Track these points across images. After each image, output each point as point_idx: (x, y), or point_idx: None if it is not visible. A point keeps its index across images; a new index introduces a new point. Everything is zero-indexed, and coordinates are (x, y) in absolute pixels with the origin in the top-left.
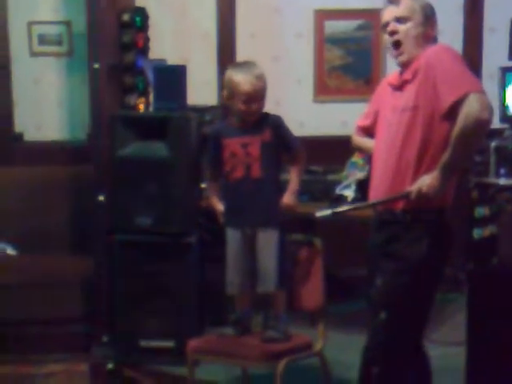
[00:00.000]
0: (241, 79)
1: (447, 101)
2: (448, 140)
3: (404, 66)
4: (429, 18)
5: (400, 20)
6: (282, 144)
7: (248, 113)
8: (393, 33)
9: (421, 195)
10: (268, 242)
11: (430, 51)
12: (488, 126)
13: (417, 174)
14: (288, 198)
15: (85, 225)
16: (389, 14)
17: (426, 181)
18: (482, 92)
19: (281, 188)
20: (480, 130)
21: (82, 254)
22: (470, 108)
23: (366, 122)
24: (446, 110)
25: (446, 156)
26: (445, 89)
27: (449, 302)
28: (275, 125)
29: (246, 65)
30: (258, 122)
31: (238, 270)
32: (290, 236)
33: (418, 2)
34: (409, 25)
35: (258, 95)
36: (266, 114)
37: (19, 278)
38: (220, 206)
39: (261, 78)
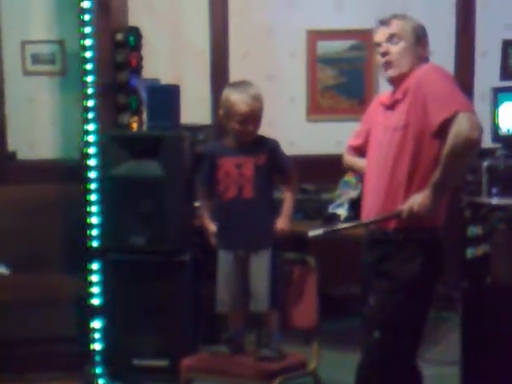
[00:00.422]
0: (237, 99)
1: (437, 119)
2: (438, 159)
3: (393, 81)
4: (420, 38)
5: (392, 40)
6: (275, 167)
7: (243, 133)
8: (385, 54)
9: (412, 214)
10: (261, 263)
11: (421, 70)
12: (478, 145)
13: (408, 192)
14: (282, 223)
15: (78, 244)
16: (380, 35)
17: (418, 199)
18: (471, 111)
19: (274, 208)
20: (470, 148)
21: (75, 273)
22: (460, 127)
23: (358, 142)
24: (435, 129)
25: (436, 175)
26: (435, 107)
27: (443, 320)
28: (272, 150)
29: (243, 85)
30: (254, 143)
31: (229, 290)
32: (284, 255)
33: (409, 23)
34: (400, 45)
35: (253, 116)
36: (263, 137)
37: (12, 297)
38: (212, 227)
39: (257, 99)
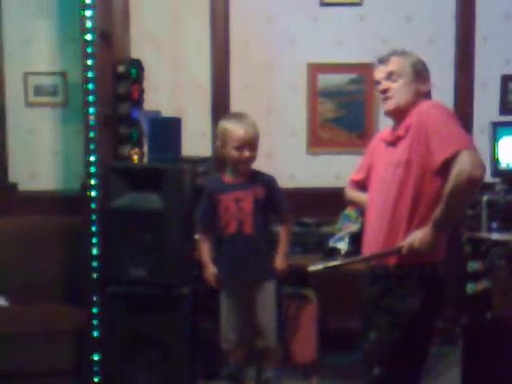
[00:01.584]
0: (233, 126)
1: (439, 158)
2: (440, 196)
3: (391, 115)
4: (419, 73)
5: (391, 78)
6: (272, 205)
7: (240, 160)
8: (384, 91)
9: (412, 250)
10: (265, 296)
11: (422, 107)
12: (480, 183)
13: (409, 228)
14: (280, 263)
15: (78, 275)
16: (379, 73)
17: (418, 235)
18: (473, 149)
19: (272, 241)
20: (472, 187)
21: (74, 305)
22: (463, 165)
23: (359, 176)
24: (437, 167)
25: (438, 212)
26: (437, 145)
27: (443, 356)
28: (269, 185)
29: (238, 114)
30: (252, 178)
31: (234, 326)
32: (284, 289)
33: (408, 59)
34: (400, 82)
35: (249, 141)
36: (260, 172)
37: (10, 329)
38: (212, 269)
39: (252, 125)
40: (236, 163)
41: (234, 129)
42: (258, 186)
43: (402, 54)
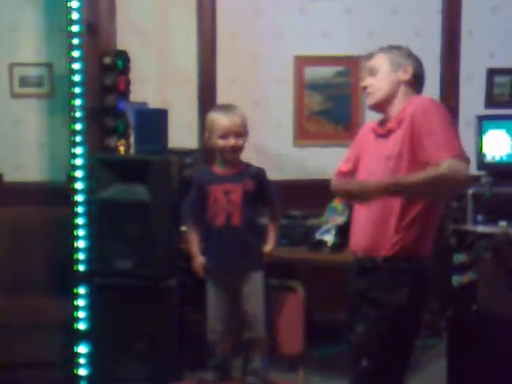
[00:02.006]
0: (219, 116)
1: (433, 161)
2: None
3: (374, 109)
4: (398, 62)
5: (372, 73)
6: (262, 197)
7: (226, 149)
8: (365, 87)
9: (351, 194)
10: (254, 286)
11: (417, 103)
12: (455, 190)
13: (400, 222)
14: (268, 249)
15: (64, 267)
16: (364, 70)
17: (370, 183)
18: (466, 158)
19: (259, 233)
20: (451, 186)
21: (60, 297)
22: (456, 167)
23: (346, 167)
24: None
25: (405, 177)
26: (431, 149)
27: (428, 348)
28: (259, 178)
29: (226, 105)
30: (241, 170)
31: (220, 317)
32: (271, 281)
33: (389, 52)
34: (378, 75)
35: (235, 130)
36: (249, 164)
37: None
38: (200, 259)
39: (238, 115)
40: (222, 152)
41: (220, 118)
42: (247, 178)
43: (388, 50)
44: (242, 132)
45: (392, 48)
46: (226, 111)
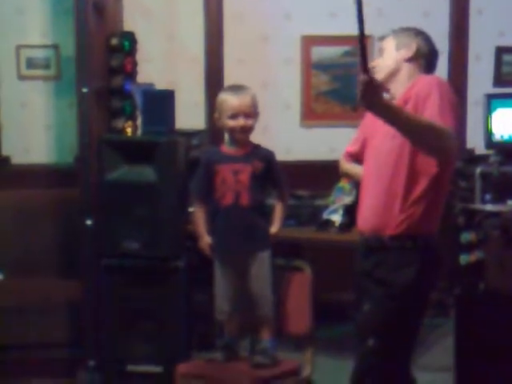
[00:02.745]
0: (228, 96)
1: None
2: (436, 170)
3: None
4: (402, 41)
5: (380, 54)
6: (271, 179)
7: (235, 128)
8: (373, 68)
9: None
10: (261, 265)
11: (423, 82)
12: (443, 154)
13: (406, 201)
14: (275, 229)
15: (72, 249)
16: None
17: (373, 89)
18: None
19: (267, 214)
20: (440, 142)
21: (69, 278)
22: (452, 136)
23: (354, 148)
24: None
25: (401, 110)
26: (432, 113)
27: (436, 327)
28: (268, 160)
29: (236, 86)
30: (250, 151)
31: (228, 298)
32: (278, 261)
33: (396, 32)
34: (383, 56)
35: (244, 110)
36: (259, 146)
37: (5, 302)
38: (207, 239)
39: (248, 95)
40: (232, 132)
41: (230, 99)
42: (256, 159)
43: (397, 31)
44: (251, 112)
45: (402, 30)
46: (236, 91)
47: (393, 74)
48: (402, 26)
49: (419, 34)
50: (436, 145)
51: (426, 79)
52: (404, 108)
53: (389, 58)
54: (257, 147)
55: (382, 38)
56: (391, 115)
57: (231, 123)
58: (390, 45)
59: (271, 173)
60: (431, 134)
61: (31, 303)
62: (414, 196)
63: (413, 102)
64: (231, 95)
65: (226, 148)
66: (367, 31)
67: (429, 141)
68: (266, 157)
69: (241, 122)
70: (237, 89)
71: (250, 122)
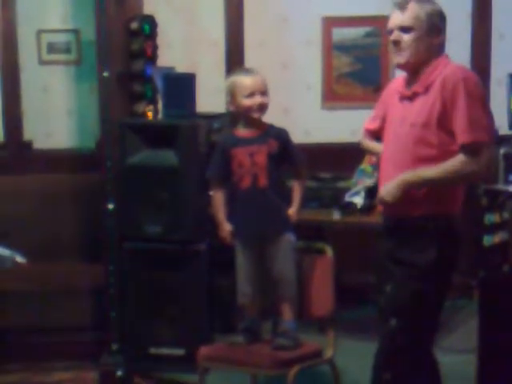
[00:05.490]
0: (240, 77)
1: (458, 139)
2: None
3: (401, 68)
4: (434, 26)
5: (404, 29)
6: (287, 158)
7: (253, 107)
8: (395, 42)
9: (383, 202)
10: (282, 247)
11: (448, 73)
12: (480, 179)
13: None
14: (293, 214)
15: (95, 233)
16: (393, 20)
17: (388, 188)
18: (491, 142)
19: (286, 195)
20: (471, 180)
21: (91, 262)
22: (477, 159)
23: (374, 126)
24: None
25: (423, 171)
26: (460, 126)
27: (459, 308)
28: (281, 138)
29: (244, 68)
30: (264, 131)
31: (250, 281)
32: (300, 243)
33: (425, 9)
34: (412, 35)
35: (259, 88)
36: (273, 126)
37: (29, 286)
38: (227, 227)
39: (258, 74)
40: (249, 112)
41: (242, 79)
42: (271, 138)
43: (422, 3)
44: (265, 90)
45: (428, 1)
46: (246, 72)
47: (423, 60)
48: None
49: (440, 12)
50: (471, 178)
51: (450, 69)
52: (423, 164)
53: (420, 41)
54: (270, 127)
55: (402, 7)
56: (418, 187)
57: (248, 102)
58: (421, 25)
59: (286, 151)
60: (462, 177)
61: (54, 287)
62: None
63: (435, 90)
64: (243, 76)
65: (241, 131)
66: (387, 12)
67: (464, 180)
68: (281, 135)
69: (258, 99)
70: (246, 70)
71: (266, 99)
